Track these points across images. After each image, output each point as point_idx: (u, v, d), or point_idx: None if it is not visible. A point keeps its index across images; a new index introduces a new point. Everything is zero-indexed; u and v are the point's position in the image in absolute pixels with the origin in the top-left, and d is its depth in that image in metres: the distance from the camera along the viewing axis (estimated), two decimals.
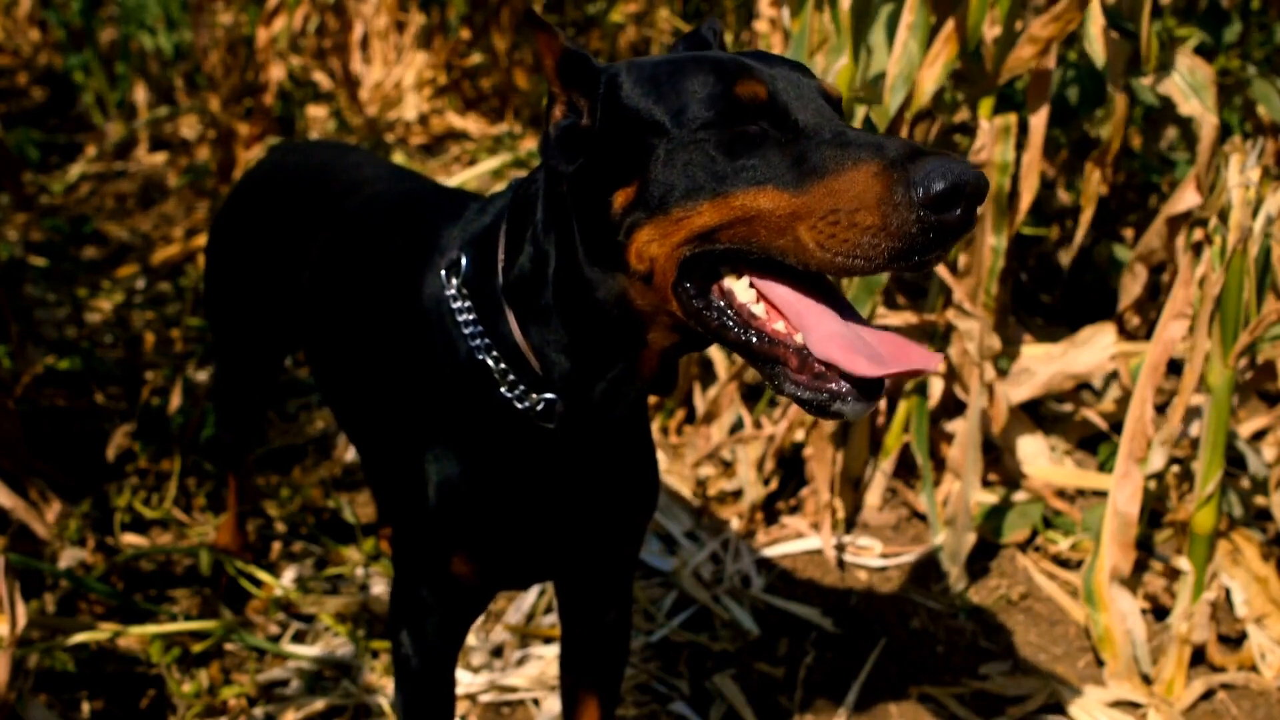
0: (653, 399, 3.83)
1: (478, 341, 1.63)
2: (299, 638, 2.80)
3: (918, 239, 1.21)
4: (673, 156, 1.36)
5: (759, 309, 1.36)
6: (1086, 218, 3.26)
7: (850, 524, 3.28)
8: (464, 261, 1.67)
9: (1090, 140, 4.27)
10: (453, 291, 1.66)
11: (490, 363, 1.62)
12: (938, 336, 3.24)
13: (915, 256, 1.22)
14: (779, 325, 1.35)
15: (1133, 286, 3.43)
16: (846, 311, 1.35)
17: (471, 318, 1.64)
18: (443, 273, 1.68)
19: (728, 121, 1.35)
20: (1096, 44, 3.01)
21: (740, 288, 1.37)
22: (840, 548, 3.16)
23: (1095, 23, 3.00)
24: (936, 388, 3.37)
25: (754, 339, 1.35)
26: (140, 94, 6.69)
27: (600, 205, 1.43)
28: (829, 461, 3.16)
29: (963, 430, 3.12)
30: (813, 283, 1.36)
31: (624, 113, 1.43)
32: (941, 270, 3.07)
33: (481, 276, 1.64)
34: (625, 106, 1.43)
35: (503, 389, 1.61)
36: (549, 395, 1.60)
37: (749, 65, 1.40)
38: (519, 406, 1.61)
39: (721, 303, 1.38)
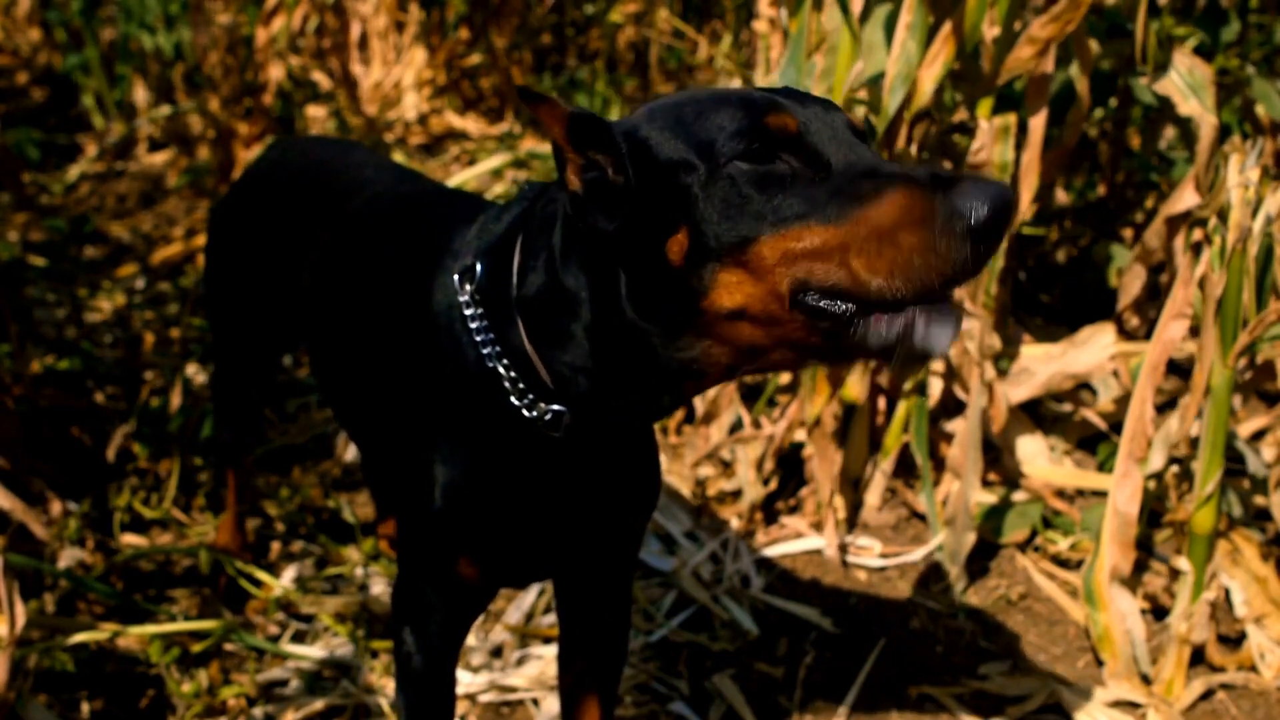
0: None
1: (488, 349, 1.62)
2: (299, 638, 2.80)
3: (960, 255, 1.22)
4: (709, 193, 1.35)
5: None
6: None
7: (850, 524, 3.28)
8: (478, 269, 1.66)
9: (1088, 140, 4.27)
10: (465, 298, 1.65)
11: (501, 370, 1.61)
12: None
13: (961, 277, 1.24)
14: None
15: (1132, 286, 3.43)
16: None
17: (483, 325, 1.63)
18: (455, 278, 1.68)
19: (758, 156, 1.34)
20: (1081, 51, 3.03)
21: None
22: (840, 548, 3.16)
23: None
24: (936, 387, 3.37)
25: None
26: (140, 94, 6.69)
27: (654, 258, 1.41)
28: (830, 460, 3.16)
29: (963, 430, 3.12)
30: None
31: (654, 162, 1.41)
32: None
33: (495, 286, 1.63)
34: (654, 155, 1.41)
35: (512, 397, 1.61)
36: (557, 406, 1.60)
37: (778, 100, 1.40)
38: (527, 415, 1.61)
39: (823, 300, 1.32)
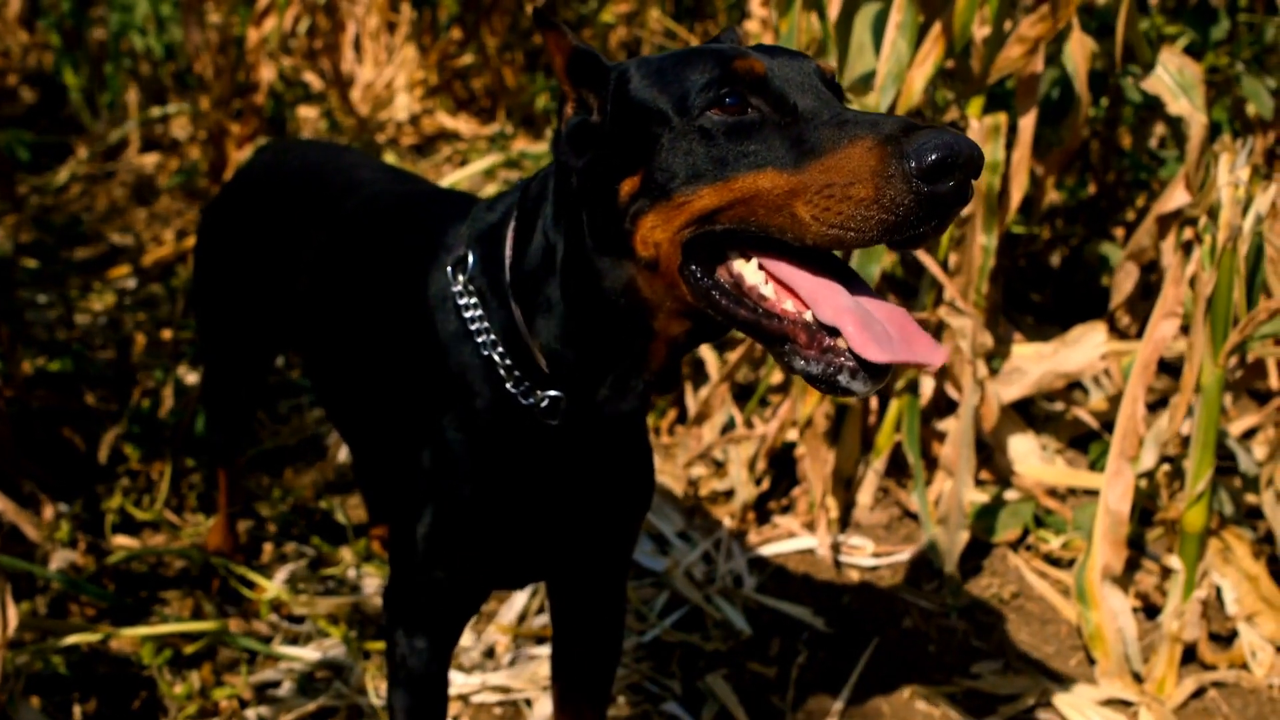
0: None
1: (484, 338, 1.64)
2: (291, 639, 2.80)
3: (911, 210, 1.22)
4: (676, 144, 1.38)
5: (768, 290, 1.37)
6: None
7: (842, 523, 3.29)
8: (470, 258, 1.67)
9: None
10: (459, 288, 1.66)
11: (496, 358, 1.63)
12: (929, 334, 3.23)
13: (908, 229, 1.23)
14: (788, 305, 1.36)
15: (1124, 285, 3.44)
16: (856, 285, 1.36)
17: (478, 314, 1.64)
18: (449, 269, 1.69)
19: (727, 104, 1.36)
20: (1077, 50, 3.03)
21: (749, 270, 1.38)
22: (832, 547, 3.16)
23: (1074, 33, 3.03)
24: (928, 386, 3.37)
25: (763, 318, 1.36)
26: (131, 95, 6.68)
27: (608, 195, 1.45)
28: (822, 460, 3.17)
29: (955, 429, 3.12)
30: (820, 260, 1.37)
31: (631, 106, 1.45)
32: (934, 268, 3.08)
33: (488, 273, 1.65)
34: (633, 100, 1.45)
35: (508, 385, 1.62)
36: (553, 392, 1.61)
37: (746, 50, 1.43)
38: (524, 403, 1.62)
39: (729, 284, 1.38)
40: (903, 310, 1.36)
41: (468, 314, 1.65)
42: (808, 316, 1.34)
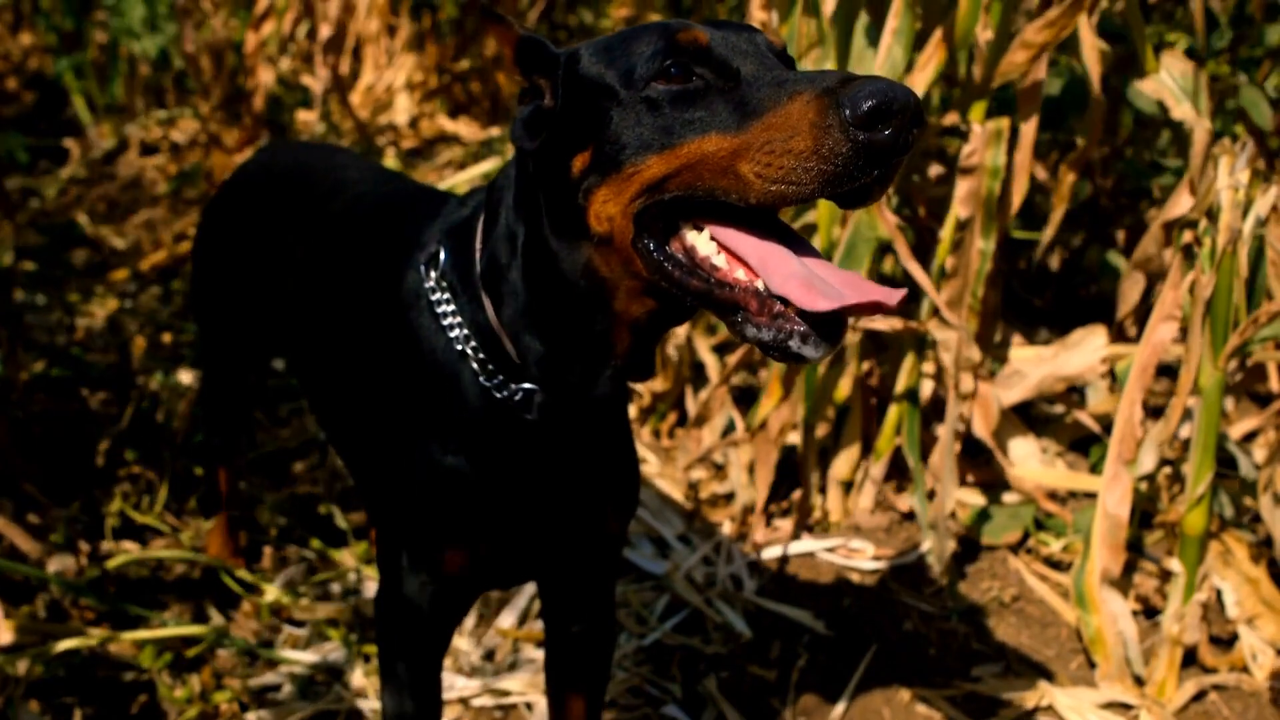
0: (643, 402, 3.83)
1: (456, 332, 1.64)
2: (291, 643, 2.80)
3: (850, 160, 1.22)
4: (624, 116, 1.40)
5: (720, 260, 1.38)
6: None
7: (841, 526, 3.29)
8: (442, 254, 1.69)
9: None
10: (431, 284, 1.67)
11: (469, 353, 1.63)
12: (926, 345, 3.24)
13: (849, 179, 1.24)
14: (740, 274, 1.37)
15: (1130, 294, 3.42)
16: (805, 251, 1.37)
17: (450, 309, 1.65)
18: (421, 266, 1.70)
19: (672, 74, 1.38)
20: (1090, 53, 3.03)
21: (701, 241, 1.39)
22: (832, 550, 3.16)
23: (1086, 35, 3.03)
24: (928, 389, 3.37)
25: (715, 288, 1.37)
26: (130, 98, 6.67)
27: (561, 174, 1.46)
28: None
29: (941, 438, 3.12)
30: (770, 228, 1.38)
31: (581, 84, 1.47)
32: (920, 278, 3.05)
33: (459, 267, 1.66)
34: (582, 78, 1.47)
35: (482, 379, 1.63)
36: (527, 385, 1.61)
37: (690, 22, 1.45)
38: (498, 397, 1.62)
39: (682, 256, 1.39)
40: (854, 272, 1.37)
41: (440, 309, 1.66)
42: (759, 285, 1.35)
